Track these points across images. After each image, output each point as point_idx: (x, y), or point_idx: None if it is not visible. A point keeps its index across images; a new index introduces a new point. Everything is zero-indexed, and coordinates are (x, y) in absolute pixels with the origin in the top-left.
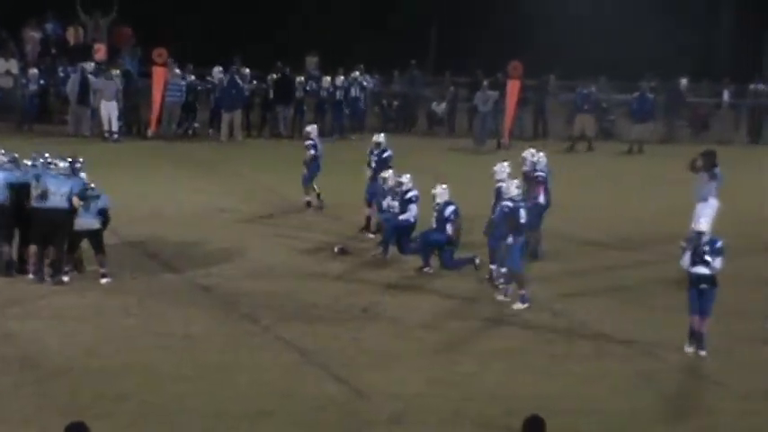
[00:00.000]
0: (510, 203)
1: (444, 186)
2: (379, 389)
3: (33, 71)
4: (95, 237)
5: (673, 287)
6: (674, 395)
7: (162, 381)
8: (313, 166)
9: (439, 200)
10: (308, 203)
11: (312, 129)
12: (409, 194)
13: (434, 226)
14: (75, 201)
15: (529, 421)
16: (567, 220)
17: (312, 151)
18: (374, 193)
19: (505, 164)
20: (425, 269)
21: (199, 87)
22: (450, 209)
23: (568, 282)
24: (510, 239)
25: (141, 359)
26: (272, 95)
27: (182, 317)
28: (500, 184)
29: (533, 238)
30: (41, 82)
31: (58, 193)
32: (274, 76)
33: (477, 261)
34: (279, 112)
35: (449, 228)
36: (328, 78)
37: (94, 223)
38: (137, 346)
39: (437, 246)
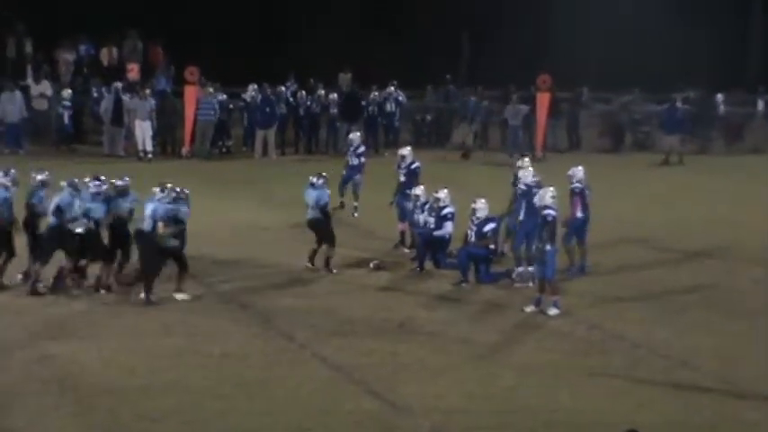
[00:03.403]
0: (551, 211)
1: (484, 201)
2: (417, 403)
3: (67, 91)
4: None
5: (708, 299)
6: (710, 406)
7: (201, 399)
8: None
9: (479, 214)
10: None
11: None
12: (445, 211)
13: (473, 240)
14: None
15: None
16: (602, 230)
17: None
18: (404, 207)
19: (529, 165)
20: (463, 284)
21: (231, 106)
22: (491, 226)
23: (605, 293)
24: (548, 247)
25: (181, 377)
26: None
27: (220, 334)
28: (523, 186)
29: (579, 252)
30: (70, 103)
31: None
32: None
33: (514, 275)
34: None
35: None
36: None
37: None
38: (176, 364)
39: (478, 260)
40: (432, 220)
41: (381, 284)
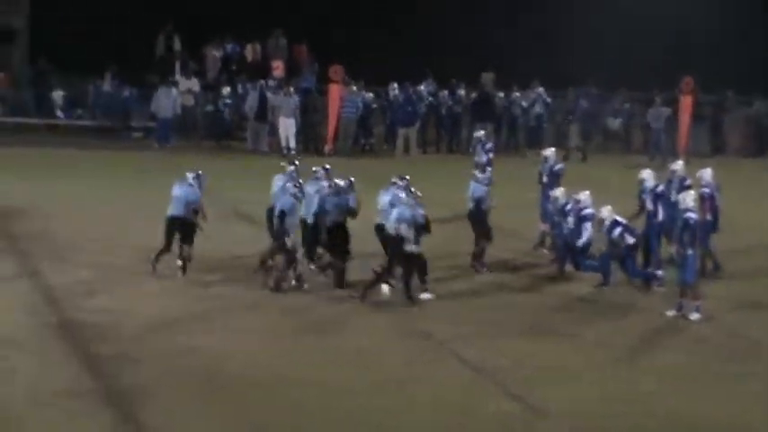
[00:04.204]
0: (692, 215)
1: (609, 207)
2: (555, 406)
3: (227, 89)
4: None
5: None
6: None
7: (338, 396)
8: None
9: (607, 222)
10: None
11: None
12: (585, 212)
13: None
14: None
15: None
16: (742, 235)
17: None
18: (546, 209)
19: (650, 170)
20: (604, 287)
21: (374, 105)
22: (618, 230)
23: (744, 299)
24: (689, 251)
25: (318, 374)
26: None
27: (357, 332)
28: (661, 188)
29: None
30: (230, 101)
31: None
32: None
33: (660, 275)
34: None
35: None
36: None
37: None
38: (314, 361)
39: (622, 259)
40: (570, 221)
41: (521, 284)
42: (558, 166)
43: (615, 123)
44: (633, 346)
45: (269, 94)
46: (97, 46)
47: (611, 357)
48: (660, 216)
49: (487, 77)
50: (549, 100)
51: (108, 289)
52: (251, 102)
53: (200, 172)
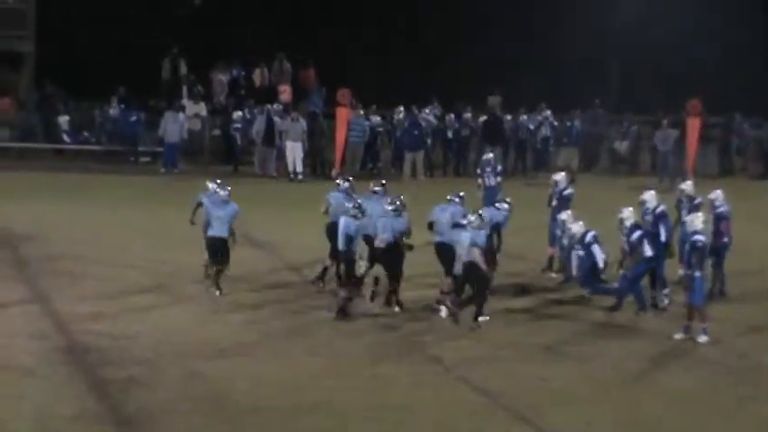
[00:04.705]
0: (701, 237)
1: (630, 209)
2: (566, 429)
3: (238, 114)
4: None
5: None
6: None
7: (349, 421)
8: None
9: (627, 223)
10: None
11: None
12: (587, 239)
13: (626, 249)
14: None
15: None
16: (749, 257)
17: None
18: (555, 232)
19: (654, 192)
20: (640, 311)
21: (380, 129)
22: (638, 233)
23: (753, 321)
24: (696, 273)
25: (328, 399)
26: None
27: (367, 356)
28: (661, 208)
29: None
30: (240, 125)
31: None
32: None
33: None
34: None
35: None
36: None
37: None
38: (323, 385)
39: (650, 274)
40: (581, 252)
41: (529, 307)
42: (567, 191)
43: (622, 146)
44: (642, 369)
45: (276, 119)
46: (104, 70)
47: (620, 380)
48: (663, 237)
49: (494, 101)
50: (555, 123)
51: (116, 313)
52: (258, 126)
53: (229, 188)
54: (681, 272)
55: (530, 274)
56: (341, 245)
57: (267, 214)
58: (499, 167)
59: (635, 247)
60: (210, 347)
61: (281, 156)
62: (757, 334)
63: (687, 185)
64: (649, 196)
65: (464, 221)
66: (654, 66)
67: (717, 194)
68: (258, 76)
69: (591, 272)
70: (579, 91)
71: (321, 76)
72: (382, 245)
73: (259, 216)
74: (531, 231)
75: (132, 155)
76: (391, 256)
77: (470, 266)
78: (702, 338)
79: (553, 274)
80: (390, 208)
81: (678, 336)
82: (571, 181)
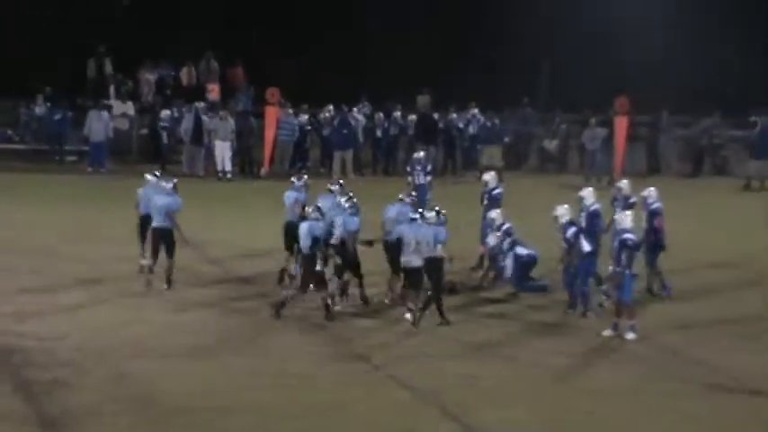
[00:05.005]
0: (630, 235)
1: (566, 206)
2: (493, 427)
3: (166, 112)
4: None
5: None
6: None
7: (277, 420)
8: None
9: (562, 220)
10: None
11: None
12: (505, 227)
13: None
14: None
15: None
16: (681, 255)
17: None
18: (486, 231)
19: (592, 189)
20: (588, 313)
21: (308, 127)
22: (573, 229)
23: (682, 318)
24: (628, 271)
25: (256, 398)
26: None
27: (295, 355)
28: (595, 207)
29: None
30: (167, 124)
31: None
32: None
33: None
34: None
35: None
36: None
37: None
38: (251, 385)
39: (591, 267)
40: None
41: (458, 306)
42: (497, 190)
43: (552, 145)
44: (571, 367)
45: (204, 118)
46: (29, 69)
47: (548, 378)
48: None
49: (423, 100)
50: (483, 120)
51: (41, 314)
52: (186, 125)
53: (175, 180)
54: (610, 268)
55: (460, 273)
56: (306, 248)
57: (194, 213)
58: (429, 166)
59: (572, 244)
60: (137, 348)
61: (210, 155)
62: (685, 331)
63: (624, 184)
64: (587, 193)
65: (415, 216)
66: (582, 65)
67: (650, 192)
68: (186, 75)
69: (521, 270)
70: (511, 90)
71: (250, 74)
72: (336, 241)
73: (186, 215)
74: (460, 230)
75: (58, 154)
76: (346, 252)
77: (433, 261)
78: (630, 335)
79: (480, 273)
80: (347, 205)
81: (606, 333)
82: (479, 178)
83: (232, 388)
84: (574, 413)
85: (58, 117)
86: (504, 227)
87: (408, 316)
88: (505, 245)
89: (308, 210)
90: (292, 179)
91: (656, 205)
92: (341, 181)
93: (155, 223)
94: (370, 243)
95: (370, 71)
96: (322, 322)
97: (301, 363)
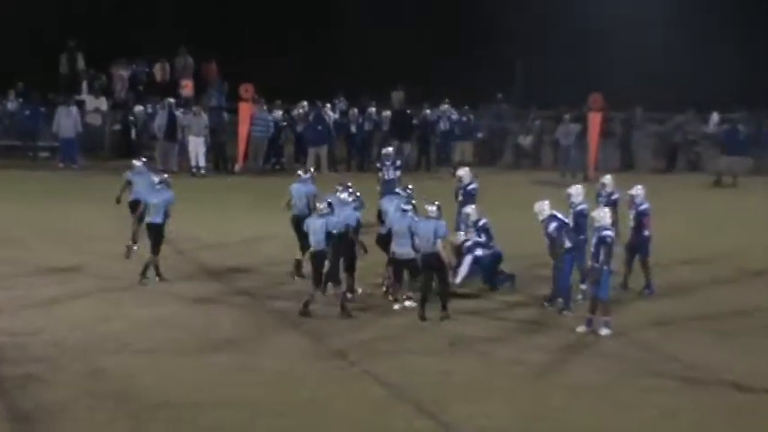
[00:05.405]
0: (609, 232)
1: (547, 202)
2: (467, 423)
3: (138, 108)
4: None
5: (764, 321)
6: (764, 430)
7: (253, 416)
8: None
9: (540, 217)
10: None
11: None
12: (482, 222)
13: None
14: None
15: None
16: (655, 251)
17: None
18: (461, 227)
19: (580, 187)
20: (565, 312)
21: (284, 123)
22: (554, 224)
23: (658, 314)
24: (606, 268)
25: (234, 394)
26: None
27: (271, 352)
28: (582, 206)
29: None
30: (131, 118)
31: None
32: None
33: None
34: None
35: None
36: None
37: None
38: (230, 381)
39: (571, 263)
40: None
41: (434, 304)
42: (471, 186)
43: (526, 141)
44: (545, 363)
45: (178, 114)
46: (1, 64)
47: (523, 374)
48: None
49: (397, 96)
50: (454, 116)
51: (15, 310)
52: (159, 121)
53: (166, 175)
54: (589, 264)
55: None
56: (319, 243)
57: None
58: (398, 161)
59: (554, 239)
60: (114, 343)
61: (183, 151)
62: (660, 327)
63: (607, 180)
64: (575, 191)
65: (407, 208)
66: (557, 62)
67: (638, 190)
68: (159, 71)
69: (490, 265)
70: (485, 87)
71: (223, 70)
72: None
73: None
74: None
75: (31, 150)
76: (347, 245)
77: (432, 257)
78: (604, 331)
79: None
80: (350, 199)
81: (581, 329)
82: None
83: (211, 384)
84: (549, 409)
85: (27, 113)
86: (481, 222)
87: (397, 307)
88: (468, 243)
89: (319, 205)
90: (299, 172)
91: (644, 206)
92: (348, 184)
93: (149, 219)
94: (364, 250)
95: (346, 68)
96: (300, 319)
97: (280, 359)
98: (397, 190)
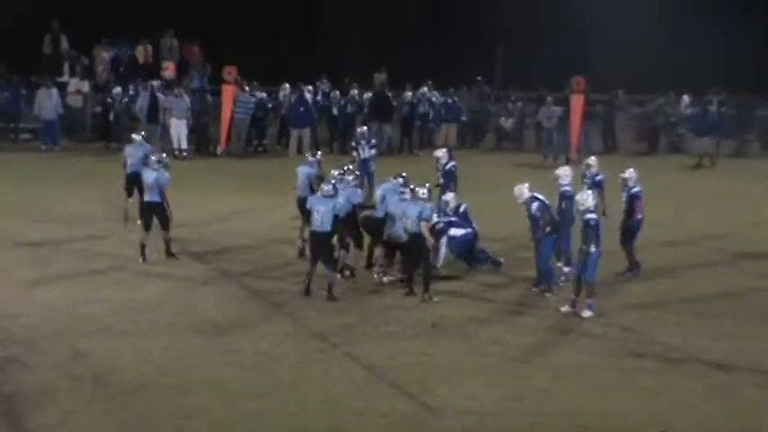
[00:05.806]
0: (593, 215)
1: (527, 184)
2: (450, 405)
3: (117, 89)
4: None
5: (745, 303)
6: (745, 410)
7: (234, 398)
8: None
9: (520, 200)
10: None
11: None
12: (462, 208)
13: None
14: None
15: None
16: (639, 234)
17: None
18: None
19: (568, 168)
20: (547, 294)
21: (269, 105)
22: (536, 204)
23: (640, 297)
24: (593, 250)
25: (213, 376)
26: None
27: (253, 334)
28: (565, 188)
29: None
30: (109, 100)
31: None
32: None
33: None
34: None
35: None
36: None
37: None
38: (208, 362)
39: (553, 244)
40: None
41: (415, 286)
42: (449, 165)
43: (508, 123)
44: (526, 344)
45: (160, 96)
46: None
47: (504, 356)
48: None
49: (380, 78)
50: (435, 99)
51: None
52: (141, 103)
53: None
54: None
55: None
56: (326, 225)
57: None
58: (373, 140)
59: (536, 219)
60: (94, 325)
61: (166, 133)
62: (641, 309)
63: (592, 161)
64: (562, 172)
65: (403, 190)
66: (538, 44)
67: (630, 173)
68: (141, 53)
69: (465, 243)
70: (467, 69)
71: (207, 52)
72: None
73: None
74: None
75: (12, 132)
76: (354, 223)
77: (416, 238)
78: (587, 313)
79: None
80: (350, 178)
81: (564, 308)
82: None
83: (191, 365)
84: (532, 390)
85: (7, 95)
86: (461, 209)
87: (386, 279)
88: (440, 226)
89: (324, 186)
90: (307, 155)
91: (636, 188)
92: (350, 167)
93: (146, 198)
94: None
95: (329, 50)
96: (281, 300)
97: (261, 341)
98: (392, 181)
